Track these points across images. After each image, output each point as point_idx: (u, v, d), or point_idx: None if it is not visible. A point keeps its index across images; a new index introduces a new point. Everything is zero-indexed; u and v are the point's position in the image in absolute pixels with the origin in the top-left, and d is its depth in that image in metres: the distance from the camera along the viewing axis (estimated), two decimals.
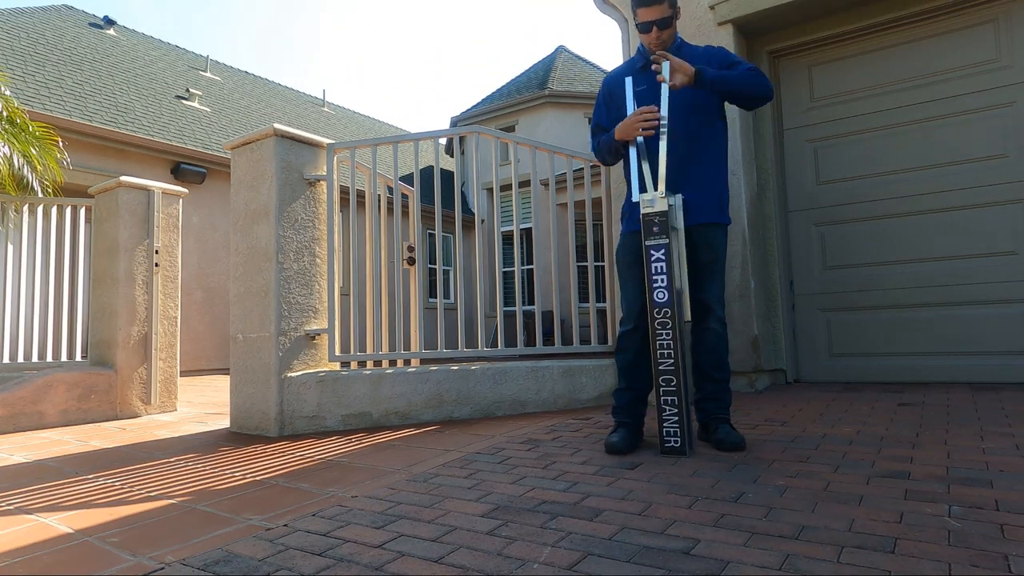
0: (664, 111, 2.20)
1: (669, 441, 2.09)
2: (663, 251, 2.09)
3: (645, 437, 2.35)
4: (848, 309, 3.79)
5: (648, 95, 2.31)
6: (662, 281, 2.09)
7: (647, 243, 2.12)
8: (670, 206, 2.10)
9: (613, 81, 2.45)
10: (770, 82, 2.26)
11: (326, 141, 3.38)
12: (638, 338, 2.29)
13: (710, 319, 2.27)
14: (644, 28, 2.27)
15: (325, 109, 16.42)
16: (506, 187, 12.34)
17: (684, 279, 2.15)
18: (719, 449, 2.13)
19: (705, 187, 2.28)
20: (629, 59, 2.51)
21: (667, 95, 2.22)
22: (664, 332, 2.08)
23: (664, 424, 2.10)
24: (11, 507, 1.96)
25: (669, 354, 2.08)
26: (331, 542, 1.47)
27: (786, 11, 3.69)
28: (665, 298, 2.08)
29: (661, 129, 2.19)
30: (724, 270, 2.34)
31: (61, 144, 5.37)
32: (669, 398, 2.08)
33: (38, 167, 5.01)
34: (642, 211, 2.13)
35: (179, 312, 4.32)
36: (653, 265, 2.10)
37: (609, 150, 2.41)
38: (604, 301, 3.85)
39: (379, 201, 3.64)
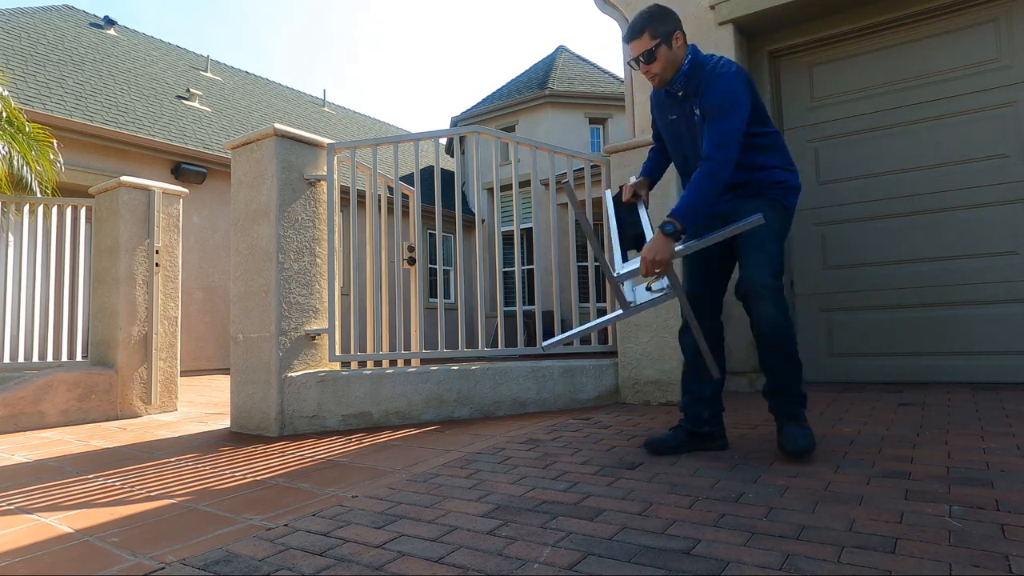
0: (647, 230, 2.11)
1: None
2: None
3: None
4: (848, 309, 3.79)
5: (677, 124, 2.20)
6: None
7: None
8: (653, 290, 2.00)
9: (655, 96, 2.30)
10: (723, 166, 1.96)
11: (326, 141, 3.38)
12: (689, 337, 2.17)
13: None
14: (634, 65, 2.17)
15: (325, 109, 16.42)
16: (506, 187, 12.34)
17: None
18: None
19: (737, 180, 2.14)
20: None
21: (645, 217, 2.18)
22: None
23: None
24: (12, 507, 1.96)
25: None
26: (331, 542, 1.47)
27: (786, 11, 3.69)
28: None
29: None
30: (777, 251, 2.07)
31: (62, 145, 5.39)
32: None
33: (35, 167, 5.02)
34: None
35: (179, 312, 4.32)
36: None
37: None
38: (604, 301, 3.85)
39: (379, 201, 3.64)
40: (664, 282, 1.96)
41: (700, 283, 2.23)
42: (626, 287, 2.05)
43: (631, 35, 2.12)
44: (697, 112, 2.09)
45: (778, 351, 2.01)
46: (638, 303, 1.98)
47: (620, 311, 2.00)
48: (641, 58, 2.10)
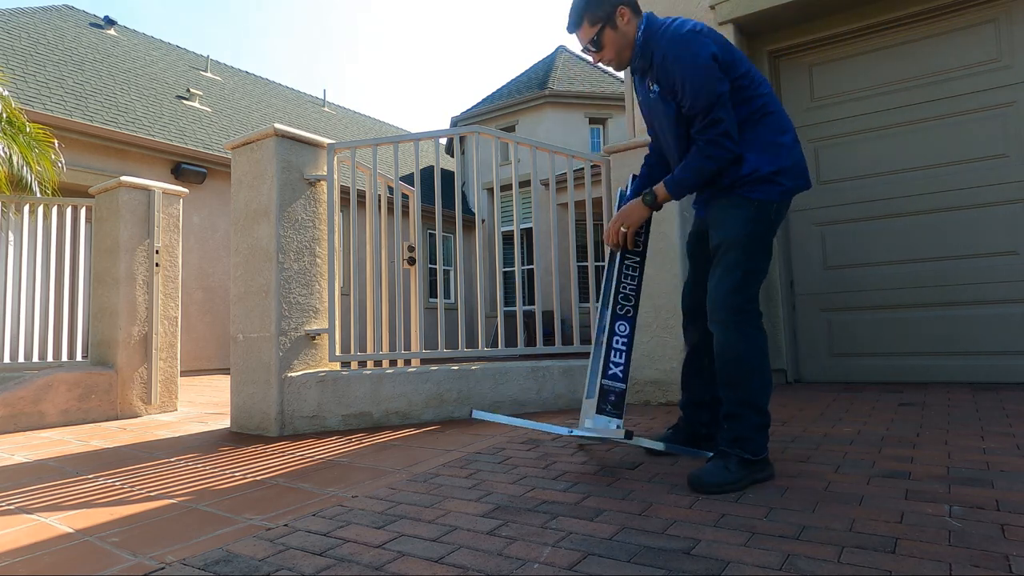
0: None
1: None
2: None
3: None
4: (848, 309, 3.79)
5: (645, 107, 2.02)
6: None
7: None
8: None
9: (635, 81, 2.08)
10: (721, 146, 1.76)
11: (326, 141, 3.38)
12: (690, 336, 2.09)
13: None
14: (585, 51, 1.99)
15: (325, 109, 16.43)
16: (506, 187, 12.34)
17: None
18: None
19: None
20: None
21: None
22: None
23: None
24: (12, 507, 1.96)
25: None
26: (331, 542, 1.47)
27: (786, 11, 3.69)
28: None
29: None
30: (742, 261, 1.81)
31: (62, 145, 5.39)
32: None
33: (35, 168, 5.02)
34: None
35: (179, 312, 4.32)
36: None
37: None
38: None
39: (379, 201, 3.64)
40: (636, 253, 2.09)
41: (689, 295, 2.12)
42: (583, 416, 2.08)
43: (571, 26, 1.93)
44: (655, 88, 1.85)
45: (725, 375, 1.81)
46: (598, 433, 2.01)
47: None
48: (589, 47, 1.93)
